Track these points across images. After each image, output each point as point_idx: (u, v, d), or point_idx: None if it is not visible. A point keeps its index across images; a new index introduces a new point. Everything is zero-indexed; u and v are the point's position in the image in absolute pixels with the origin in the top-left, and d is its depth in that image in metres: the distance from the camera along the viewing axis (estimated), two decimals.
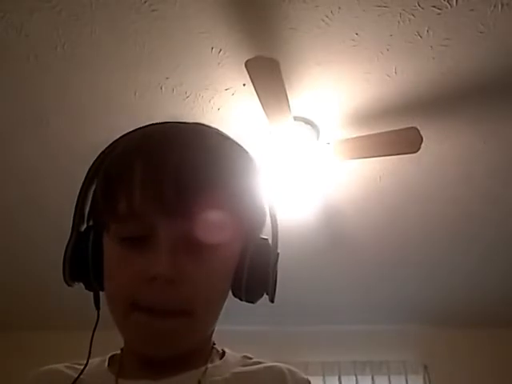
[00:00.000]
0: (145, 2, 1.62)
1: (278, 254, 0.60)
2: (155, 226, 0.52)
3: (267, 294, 0.59)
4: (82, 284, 0.58)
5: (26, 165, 2.35)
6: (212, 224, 0.53)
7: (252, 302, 0.59)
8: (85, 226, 0.60)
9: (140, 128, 0.60)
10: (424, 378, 3.66)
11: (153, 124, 0.61)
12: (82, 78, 1.90)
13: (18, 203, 2.59)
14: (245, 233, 0.58)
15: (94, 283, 0.57)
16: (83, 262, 0.56)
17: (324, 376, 3.56)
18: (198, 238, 0.53)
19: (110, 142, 0.61)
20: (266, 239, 0.60)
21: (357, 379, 3.65)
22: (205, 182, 0.53)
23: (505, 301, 3.49)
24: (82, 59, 1.82)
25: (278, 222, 0.61)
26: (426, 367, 3.69)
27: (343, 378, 3.65)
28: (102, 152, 0.60)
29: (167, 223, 0.52)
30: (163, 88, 1.95)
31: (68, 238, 0.58)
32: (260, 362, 0.65)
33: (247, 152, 0.63)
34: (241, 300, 0.59)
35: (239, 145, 0.63)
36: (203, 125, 0.63)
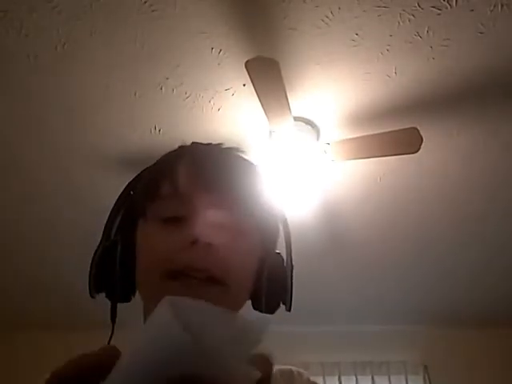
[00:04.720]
0: (145, 2, 1.62)
1: (292, 266, 0.64)
2: (195, 202, 0.57)
3: (284, 304, 0.63)
4: (104, 294, 0.60)
5: (26, 164, 2.35)
6: (241, 205, 0.59)
7: (271, 314, 0.62)
8: (112, 238, 0.63)
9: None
10: (424, 378, 3.66)
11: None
12: (82, 77, 1.90)
13: (18, 203, 2.59)
14: (262, 240, 0.63)
15: (120, 291, 0.59)
16: (112, 268, 0.59)
17: (324, 376, 3.55)
18: (231, 216, 0.58)
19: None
20: (280, 253, 0.65)
21: (357, 379, 3.65)
22: (237, 175, 0.62)
23: (505, 301, 3.49)
24: (82, 59, 1.82)
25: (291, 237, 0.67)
26: (426, 367, 3.69)
27: (343, 379, 3.64)
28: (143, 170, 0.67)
29: (206, 198, 0.57)
30: (163, 88, 1.95)
31: (95, 248, 0.62)
32: None
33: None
34: (261, 312, 0.62)
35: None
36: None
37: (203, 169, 0.60)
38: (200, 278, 0.55)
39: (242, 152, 0.67)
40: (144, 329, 0.35)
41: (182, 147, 0.66)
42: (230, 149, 0.66)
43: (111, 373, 0.34)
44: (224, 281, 0.56)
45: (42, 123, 2.12)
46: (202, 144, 0.67)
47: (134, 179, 0.67)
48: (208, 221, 0.56)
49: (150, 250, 0.58)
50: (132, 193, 0.66)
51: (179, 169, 0.60)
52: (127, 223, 0.63)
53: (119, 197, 0.65)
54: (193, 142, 0.67)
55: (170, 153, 0.66)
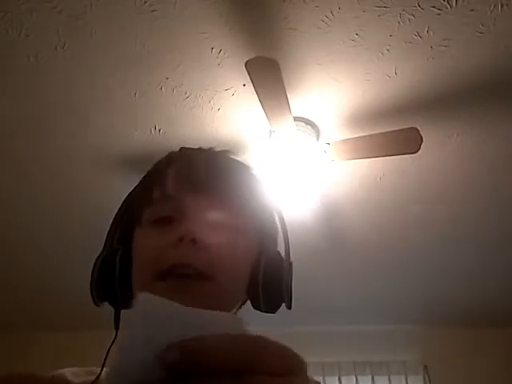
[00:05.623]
0: (145, 2, 1.62)
1: (291, 263, 0.64)
2: (184, 203, 0.59)
3: (284, 302, 0.63)
4: (107, 301, 0.61)
5: (26, 164, 2.35)
6: (231, 204, 0.60)
7: (272, 313, 0.63)
8: (114, 247, 0.63)
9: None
10: (424, 378, 3.66)
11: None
12: (82, 77, 1.90)
13: (18, 203, 2.59)
14: (258, 237, 0.63)
15: (121, 298, 0.60)
16: (112, 276, 0.59)
17: (324, 376, 3.55)
18: (219, 215, 0.59)
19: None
20: (278, 251, 0.65)
21: (357, 379, 3.65)
22: (225, 176, 0.63)
23: (505, 301, 3.49)
24: (82, 59, 1.82)
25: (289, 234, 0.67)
26: (425, 367, 3.69)
27: (343, 378, 3.64)
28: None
29: (194, 198, 0.59)
30: (163, 88, 1.95)
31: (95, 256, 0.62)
32: None
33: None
34: (261, 311, 0.62)
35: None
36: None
37: (190, 170, 0.62)
38: (187, 274, 0.55)
39: (233, 154, 0.69)
40: (129, 318, 0.37)
41: (171, 153, 0.68)
42: (219, 151, 0.68)
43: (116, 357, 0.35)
44: (212, 275, 0.56)
45: (43, 123, 2.12)
46: (190, 148, 0.69)
47: (132, 190, 0.68)
48: (195, 219, 0.58)
49: (141, 251, 0.60)
50: (131, 203, 0.67)
51: (168, 173, 0.62)
52: (127, 233, 0.64)
53: (119, 208, 0.67)
54: (181, 148, 0.69)
55: (160, 160, 0.68)
